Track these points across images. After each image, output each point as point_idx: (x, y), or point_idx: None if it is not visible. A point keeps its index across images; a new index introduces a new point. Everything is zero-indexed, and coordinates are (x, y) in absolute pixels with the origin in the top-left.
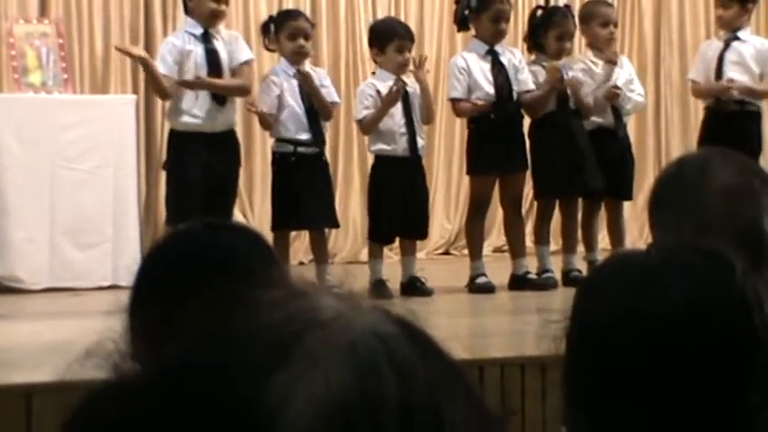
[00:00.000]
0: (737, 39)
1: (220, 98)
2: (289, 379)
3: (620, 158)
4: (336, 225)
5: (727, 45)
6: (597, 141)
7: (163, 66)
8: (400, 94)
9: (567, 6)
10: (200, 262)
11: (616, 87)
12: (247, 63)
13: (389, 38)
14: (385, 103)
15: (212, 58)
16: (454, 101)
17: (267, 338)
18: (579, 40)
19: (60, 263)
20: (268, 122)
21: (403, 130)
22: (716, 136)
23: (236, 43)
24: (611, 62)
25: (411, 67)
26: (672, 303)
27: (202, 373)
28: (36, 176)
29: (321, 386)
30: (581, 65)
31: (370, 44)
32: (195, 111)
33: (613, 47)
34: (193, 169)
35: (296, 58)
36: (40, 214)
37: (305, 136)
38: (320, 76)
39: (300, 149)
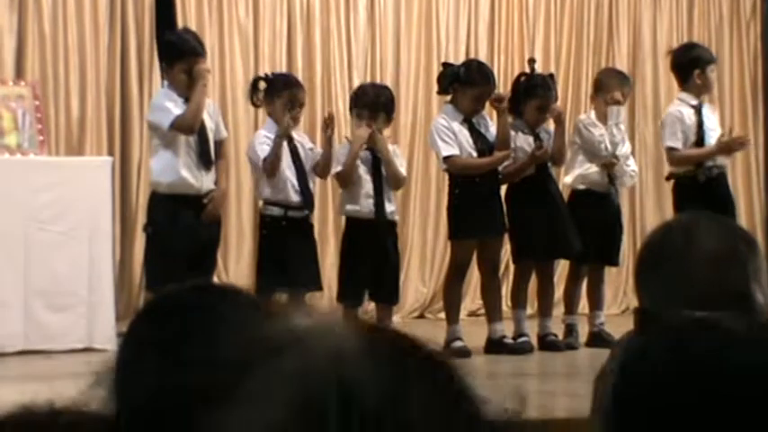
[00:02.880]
0: (702, 104)
1: (207, 162)
2: (227, 417)
3: (612, 224)
4: (320, 288)
5: (699, 112)
6: (586, 203)
7: (174, 112)
8: (367, 132)
9: (550, 75)
10: (189, 324)
11: (615, 158)
12: (226, 138)
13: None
14: (353, 149)
15: (200, 126)
16: (450, 158)
17: (222, 367)
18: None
19: (34, 326)
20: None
21: (370, 192)
22: (692, 204)
23: (219, 117)
24: (617, 102)
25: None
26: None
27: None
28: (10, 239)
29: (259, 427)
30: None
31: None
32: (184, 173)
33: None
34: (181, 233)
35: (291, 124)
36: (14, 277)
37: (295, 199)
38: (305, 142)
39: (291, 213)
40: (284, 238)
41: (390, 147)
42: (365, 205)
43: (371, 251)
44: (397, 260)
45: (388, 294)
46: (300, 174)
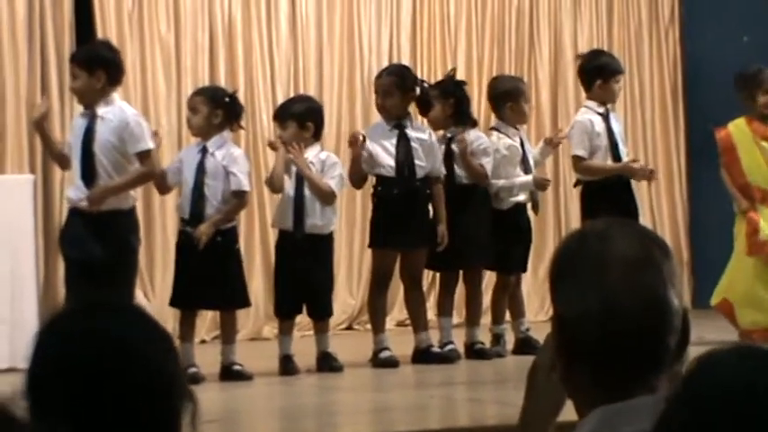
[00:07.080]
0: (609, 112)
1: (87, 177)
2: None
3: (527, 232)
4: (234, 306)
5: (606, 119)
6: (514, 218)
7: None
8: (282, 150)
9: (458, 81)
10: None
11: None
12: (147, 152)
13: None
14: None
15: (86, 138)
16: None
17: None
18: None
19: None
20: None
21: (291, 207)
22: (599, 208)
23: (133, 130)
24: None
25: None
26: None
27: None
28: None
29: None
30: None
31: None
32: (70, 188)
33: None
34: (71, 245)
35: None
36: None
37: (186, 215)
38: (220, 158)
39: (187, 228)
40: (193, 255)
41: (324, 156)
42: (287, 220)
43: (296, 265)
44: (326, 274)
45: (318, 309)
46: (195, 189)
